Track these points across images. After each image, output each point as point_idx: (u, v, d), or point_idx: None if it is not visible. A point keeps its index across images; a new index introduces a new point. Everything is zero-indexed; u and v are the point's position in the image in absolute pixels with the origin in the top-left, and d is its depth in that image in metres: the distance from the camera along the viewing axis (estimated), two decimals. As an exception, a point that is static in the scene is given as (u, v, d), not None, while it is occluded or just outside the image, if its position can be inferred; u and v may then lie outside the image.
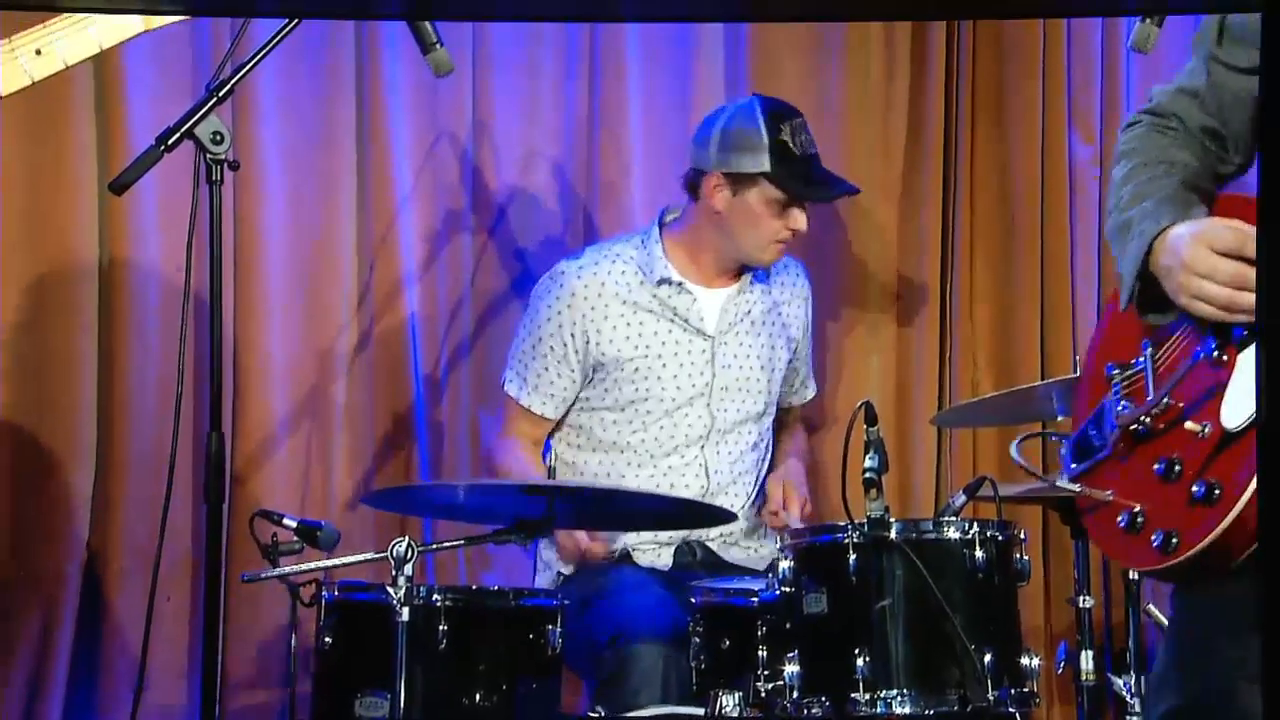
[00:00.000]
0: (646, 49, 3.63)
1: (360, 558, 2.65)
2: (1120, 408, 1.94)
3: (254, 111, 3.42)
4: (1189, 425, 1.86)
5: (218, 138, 2.44)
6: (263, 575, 2.66)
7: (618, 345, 3.13)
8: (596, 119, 3.63)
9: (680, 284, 3.15)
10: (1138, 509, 1.89)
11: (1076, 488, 1.97)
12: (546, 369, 3.16)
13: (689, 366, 3.14)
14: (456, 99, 3.55)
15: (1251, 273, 1.77)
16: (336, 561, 2.66)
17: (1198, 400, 1.86)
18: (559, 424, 3.21)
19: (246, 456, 3.43)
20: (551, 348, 3.15)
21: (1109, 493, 1.92)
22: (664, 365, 3.13)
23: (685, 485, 3.15)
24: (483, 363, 3.58)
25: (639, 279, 3.15)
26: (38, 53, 2.26)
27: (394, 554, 2.49)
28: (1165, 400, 1.88)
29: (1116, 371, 1.98)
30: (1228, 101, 1.93)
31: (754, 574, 3.02)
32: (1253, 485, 1.74)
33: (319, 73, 3.48)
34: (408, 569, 2.48)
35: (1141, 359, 1.95)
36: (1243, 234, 1.80)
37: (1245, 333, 1.82)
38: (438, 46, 2.62)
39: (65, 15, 2.30)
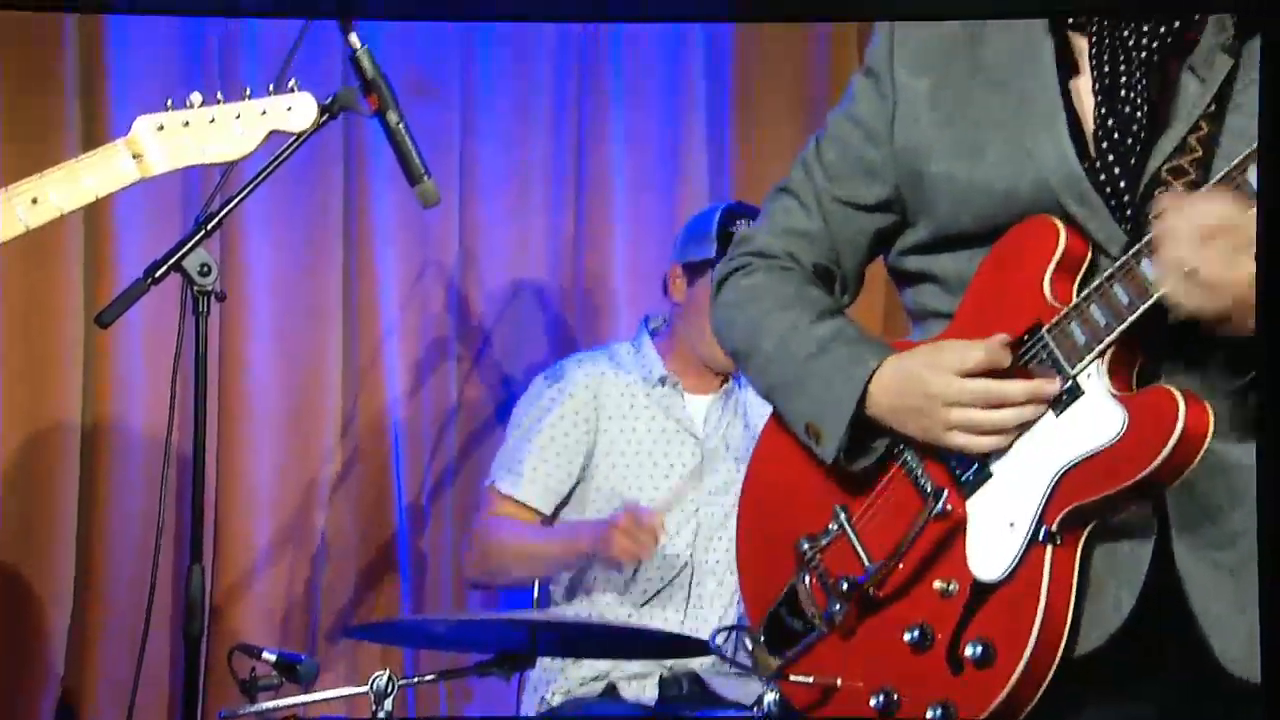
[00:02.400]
0: (632, 174, 3.72)
1: (339, 693, 2.63)
2: (836, 582, 1.76)
3: (242, 242, 3.48)
4: (935, 584, 1.71)
5: (205, 269, 2.47)
6: (240, 712, 2.63)
7: (611, 437, 3.17)
8: (582, 244, 3.70)
9: (676, 384, 3.20)
10: (890, 689, 1.71)
11: (808, 679, 1.78)
12: (545, 460, 3.17)
13: (679, 467, 3.18)
14: (443, 228, 3.62)
15: (1005, 387, 1.70)
16: (315, 697, 2.64)
17: (933, 556, 1.72)
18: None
19: (227, 589, 3.42)
20: (552, 437, 3.17)
21: (838, 679, 1.75)
22: (654, 464, 3.17)
23: (669, 598, 3.14)
24: (467, 492, 3.59)
25: (637, 376, 3.20)
26: (34, 201, 2.31)
27: (374, 688, 2.47)
28: (896, 563, 1.73)
29: (808, 545, 1.80)
30: (845, 241, 1.87)
31: (741, 708, 3.00)
32: (1033, 634, 1.64)
33: (307, 202, 3.55)
34: (388, 704, 2.47)
35: (837, 524, 1.79)
36: (990, 351, 1.71)
37: (973, 475, 1.72)
38: (426, 178, 2.67)
39: (61, 165, 2.35)
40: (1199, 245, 1.61)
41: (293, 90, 2.37)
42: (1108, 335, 1.67)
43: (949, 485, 1.73)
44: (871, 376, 1.76)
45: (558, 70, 3.67)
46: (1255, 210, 1.55)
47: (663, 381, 3.20)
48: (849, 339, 1.81)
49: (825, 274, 1.90)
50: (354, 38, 2.51)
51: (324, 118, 2.48)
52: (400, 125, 2.54)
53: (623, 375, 3.21)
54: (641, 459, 3.16)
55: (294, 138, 2.43)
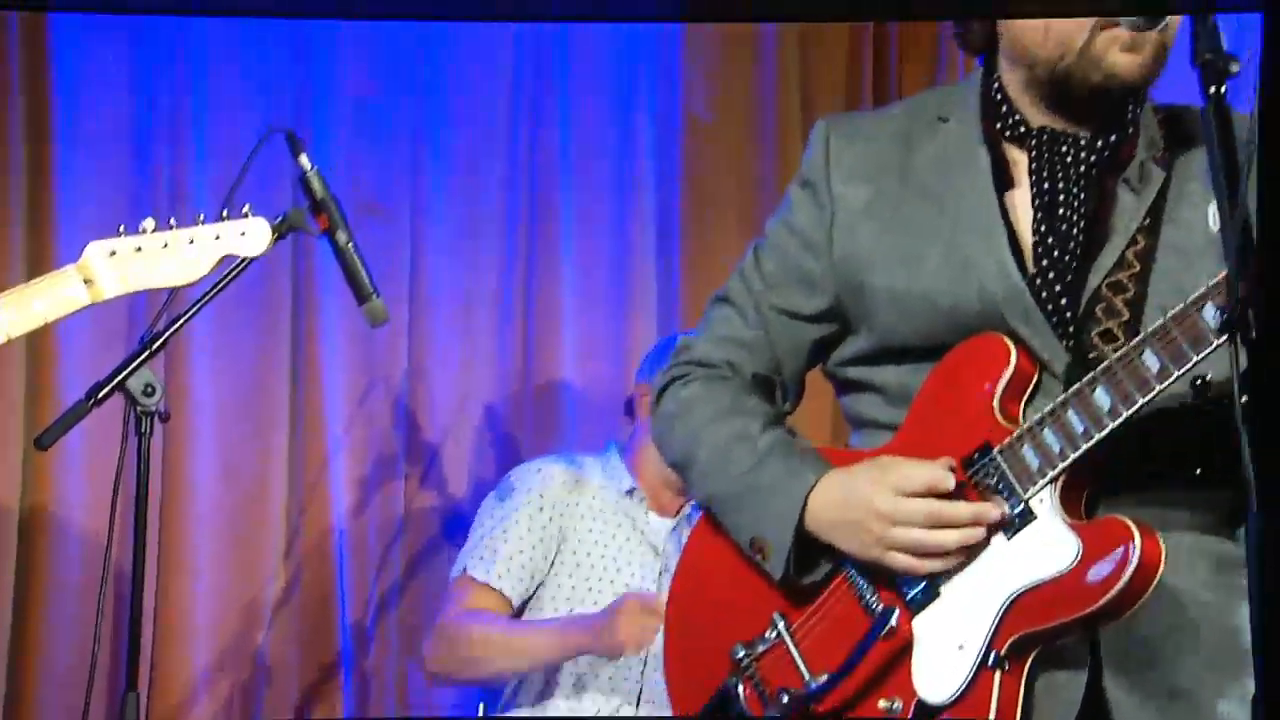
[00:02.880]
0: (581, 293, 3.73)
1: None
2: (775, 693, 1.74)
3: (187, 360, 3.46)
4: (879, 703, 1.69)
5: (149, 390, 2.45)
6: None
7: (580, 536, 3.15)
8: (531, 363, 3.70)
9: (643, 499, 3.20)
10: None
11: None
12: (521, 550, 3.12)
13: (638, 578, 3.15)
14: (392, 346, 3.62)
15: (950, 509, 1.68)
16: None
17: (878, 674, 1.70)
18: None
19: (163, 715, 3.33)
20: (529, 527, 3.13)
21: None
22: (617, 570, 3.15)
23: (616, 709, 3.09)
24: (412, 613, 3.54)
25: (608, 483, 3.19)
26: (-18, 326, 2.29)
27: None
28: (841, 681, 1.70)
29: (744, 652, 1.78)
30: (785, 350, 1.87)
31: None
32: None
33: (255, 322, 3.54)
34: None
35: (775, 633, 1.77)
36: (934, 472, 1.70)
37: (921, 593, 1.71)
38: (374, 297, 2.67)
39: (10, 290, 2.34)
40: None
41: (246, 215, 2.38)
42: (1061, 461, 1.67)
43: (897, 602, 1.72)
44: (811, 491, 1.75)
45: (508, 189, 3.71)
46: None
47: (631, 493, 3.20)
48: (786, 452, 1.80)
49: (765, 383, 1.90)
50: (304, 159, 2.53)
51: (273, 238, 2.49)
52: (349, 245, 2.56)
53: (595, 479, 3.20)
54: (606, 563, 3.15)
55: (240, 261, 2.43)
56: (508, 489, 3.22)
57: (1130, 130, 1.77)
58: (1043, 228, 1.75)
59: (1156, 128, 1.78)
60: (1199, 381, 1.60)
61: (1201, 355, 1.60)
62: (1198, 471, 1.70)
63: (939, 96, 1.90)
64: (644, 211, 3.75)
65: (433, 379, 3.66)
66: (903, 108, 1.91)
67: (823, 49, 3.81)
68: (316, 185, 2.52)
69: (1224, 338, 1.55)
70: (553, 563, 3.14)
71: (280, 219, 2.48)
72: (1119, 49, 1.70)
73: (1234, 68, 1.52)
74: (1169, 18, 1.68)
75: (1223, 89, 1.52)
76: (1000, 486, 1.69)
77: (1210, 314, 1.60)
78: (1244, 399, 1.42)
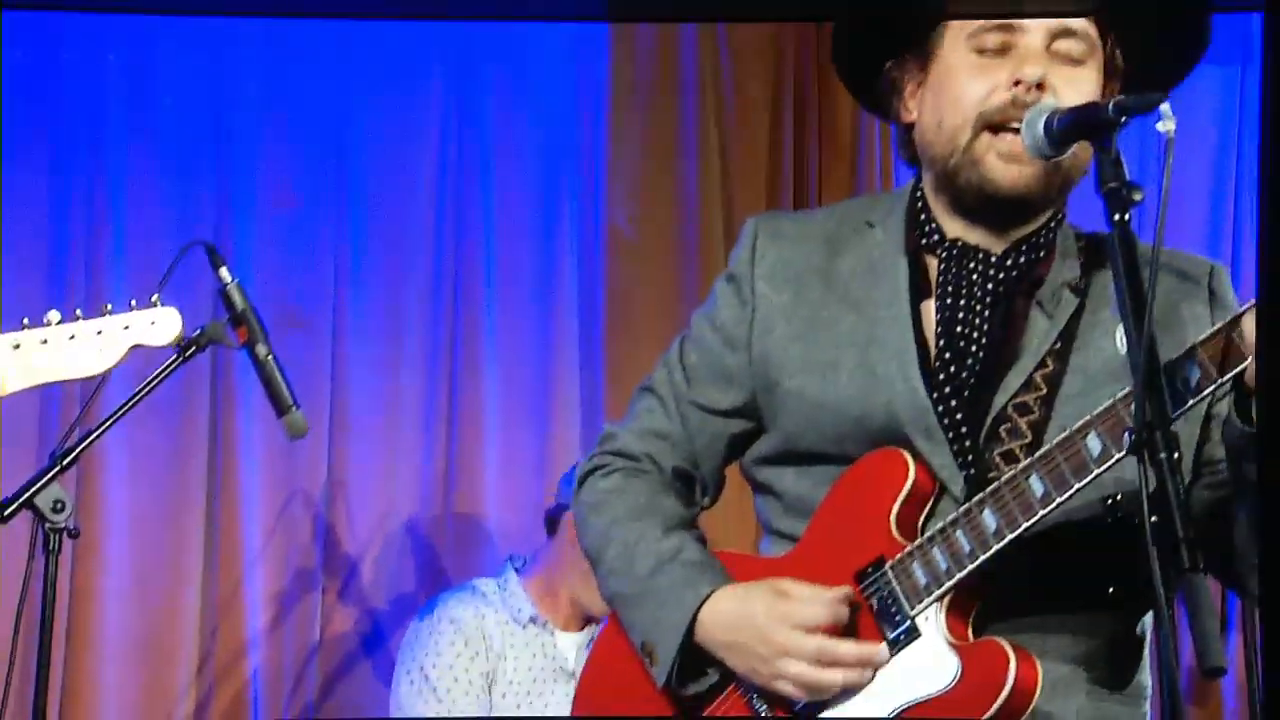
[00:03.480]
0: (505, 406, 3.73)
1: None
2: None
3: (100, 474, 3.40)
4: None
5: (58, 506, 2.40)
6: None
7: (506, 676, 3.11)
8: (453, 476, 3.68)
9: (546, 623, 3.16)
10: None
11: None
12: (455, 702, 3.08)
13: (554, 706, 3.11)
14: (312, 458, 3.58)
15: (838, 648, 1.70)
16: None
17: None
18: None
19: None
20: (456, 678, 3.08)
21: None
22: (531, 703, 3.11)
23: None
24: (327, 732, 3.47)
25: (507, 616, 3.16)
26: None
27: None
28: None
29: None
30: (703, 445, 1.88)
31: None
32: None
33: (172, 433, 3.50)
34: None
35: None
36: (832, 609, 1.72)
37: (808, 707, 1.72)
38: (294, 409, 2.65)
39: None
40: None
41: (155, 304, 2.36)
42: (947, 580, 1.69)
43: (788, 715, 1.74)
44: (704, 603, 1.76)
45: (431, 300, 3.72)
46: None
47: (534, 621, 3.17)
48: (687, 561, 1.81)
49: (685, 477, 1.90)
50: (224, 271, 2.52)
51: (191, 351, 2.47)
52: (269, 358, 2.55)
53: (498, 613, 3.18)
54: (521, 698, 3.12)
55: (156, 373, 2.41)
56: (422, 644, 3.17)
57: (1044, 252, 1.79)
58: (943, 343, 1.78)
59: (1076, 252, 1.80)
60: (1110, 501, 1.63)
61: (1083, 482, 1.63)
62: (1109, 590, 1.72)
63: (869, 203, 1.93)
64: (567, 325, 3.77)
65: (353, 492, 3.62)
66: (832, 211, 1.94)
67: (744, 159, 3.87)
68: (236, 298, 2.52)
69: (1105, 466, 1.60)
70: (490, 707, 3.12)
71: (199, 332, 2.47)
72: (996, 155, 1.73)
73: (1137, 197, 1.57)
74: (1076, 147, 1.71)
75: (1128, 217, 1.57)
76: (890, 602, 1.72)
77: (1094, 443, 1.62)
78: (1153, 518, 1.45)
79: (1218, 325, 1.62)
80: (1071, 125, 1.66)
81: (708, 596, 1.77)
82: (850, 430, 1.78)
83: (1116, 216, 1.56)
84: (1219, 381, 1.60)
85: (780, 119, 3.85)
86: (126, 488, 3.45)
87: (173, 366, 2.47)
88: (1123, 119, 1.60)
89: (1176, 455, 1.47)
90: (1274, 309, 1.34)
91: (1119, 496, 1.64)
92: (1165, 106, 1.56)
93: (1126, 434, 1.50)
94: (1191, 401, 1.61)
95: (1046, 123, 1.68)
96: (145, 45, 3.58)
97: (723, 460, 1.91)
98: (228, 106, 3.61)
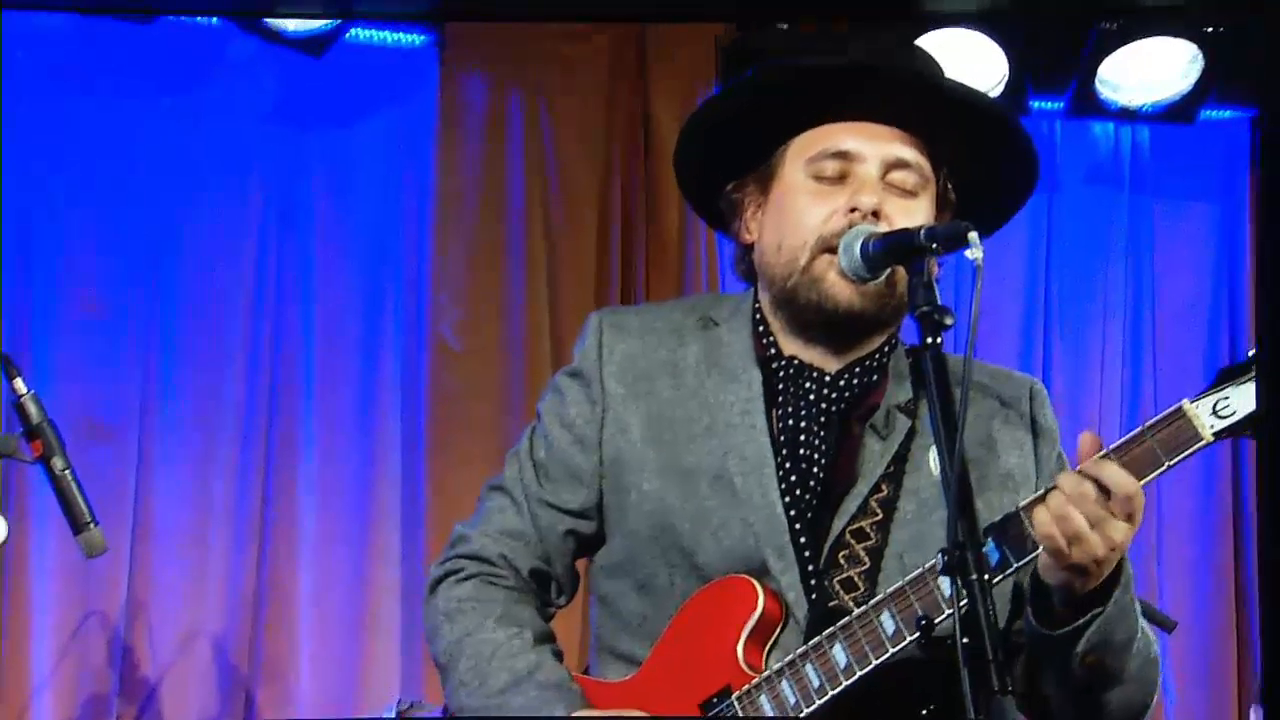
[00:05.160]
0: (322, 521, 3.66)
1: None
2: None
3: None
4: None
5: None
6: None
7: None
8: (264, 595, 3.58)
9: None
10: None
11: None
12: None
13: None
14: (111, 576, 3.46)
15: None
16: None
17: None
18: None
19: None
20: None
21: None
22: None
23: None
24: None
25: None
26: None
27: None
28: None
29: None
30: (555, 544, 1.89)
31: None
32: None
33: (-44, 551, 3.34)
34: None
35: None
36: None
37: None
38: (91, 526, 2.57)
39: None
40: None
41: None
42: (796, 714, 1.71)
43: None
44: None
45: (247, 410, 3.64)
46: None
47: None
48: (543, 682, 1.81)
49: (541, 577, 1.90)
50: (19, 383, 2.45)
51: (-22, 463, 2.38)
52: (66, 472, 2.47)
53: None
54: None
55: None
56: None
57: (878, 375, 1.85)
58: (788, 464, 1.81)
59: (909, 373, 1.80)
60: (923, 621, 1.68)
61: (924, 618, 1.66)
62: (923, 711, 1.76)
63: (711, 301, 1.96)
64: (389, 435, 3.73)
65: (155, 612, 3.50)
66: (676, 305, 1.97)
67: (571, 265, 3.90)
68: (32, 410, 2.44)
69: (959, 606, 1.64)
70: None
71: (-10, 445, 2.39)
72: (835, 273, 1.79)
73: (949, 321, 1.64)
74: (896, 269, 1.77)
75: (939, 340, 1.63)
76: None
77: (946, 583, 1.66)
78: (964, 639, 1.49)
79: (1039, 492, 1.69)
80: (885, 250, 1.73)
81: None
82: (704, 540, 1.80)
83: (928, 340, 1.62)
84: (1014, 567, 1.66)
85: (607, 224, 3.91)
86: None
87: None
88: (934, 245, 1.67)
89: (987, 576, 1.52)
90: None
91: (934, 619, 1.68)
92: (973, 235, 1.64)
93: (941, 555, 1.54)
94: (1015, 565, 1.68)
95: (862, 246, 1.75)
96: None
97: (572, 560, 1.91)
98: (31, 207, 3.52)
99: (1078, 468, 1.67)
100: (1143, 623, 1.79)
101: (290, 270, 3.73)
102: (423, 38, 3.78)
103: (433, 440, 3.76)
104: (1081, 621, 1.69)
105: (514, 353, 3.83)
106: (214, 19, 3.54)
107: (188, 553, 3.56)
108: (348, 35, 3.62)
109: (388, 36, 3.74)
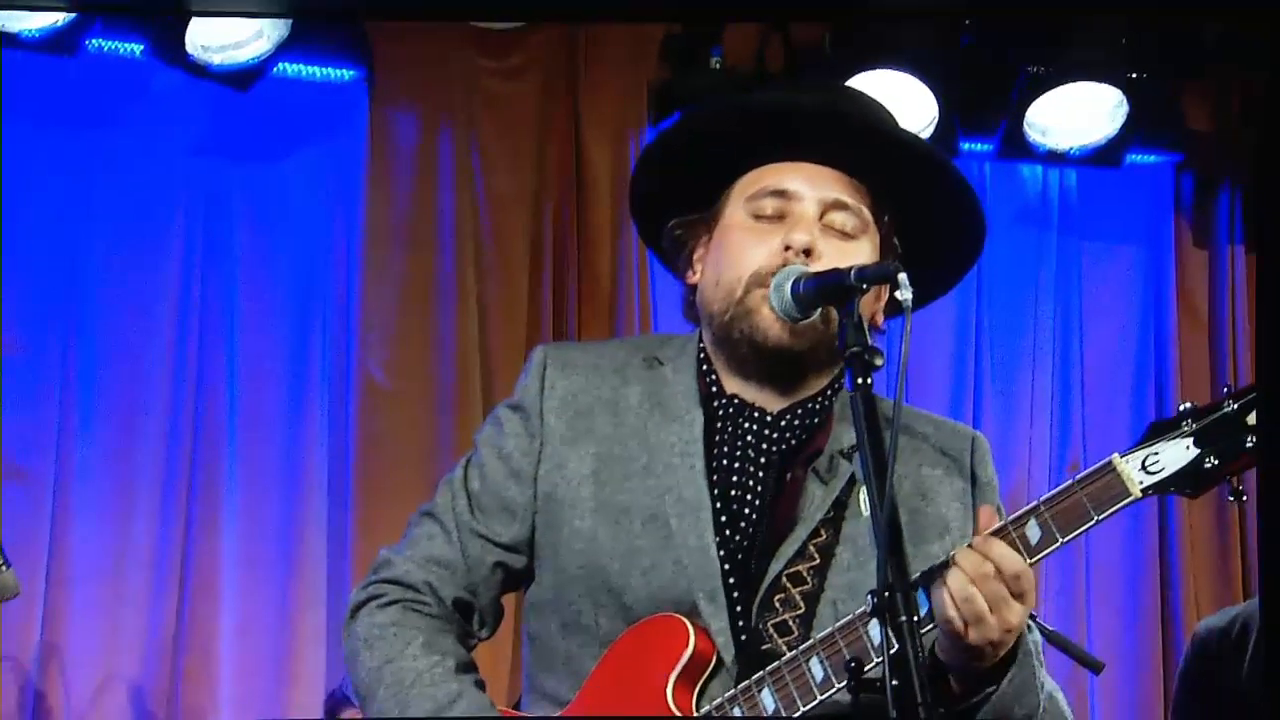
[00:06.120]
0: (245, 562, 3.61)
1: None
2: None
3: None
4: None
5: None
6: None
7: None
8: (184, 638, 3.52)
9: None
10: None
11: None
12: None
13: None
14: (24, 619, 3.39)
15: None
16: None
17: None
18: None
19: None
20: None
21: None
22: None
23: None
24: None
25: None
26: None
27: None
28: None
29: None
30: (483, 576, 1.87)
31: None
32: None
33: None
34: None
35: None
36: None
37: None
38: (4, 568, 2.54)
39: None
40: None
41: None
42: None
43: None
44: None
45: (168, 448, 3.59)
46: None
47: None
48: (464, 710, 1.79)
49: (465, 607, 1.88)
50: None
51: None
52: (-23, 513, 2.42)
53: None
54: None
55: None
56: None
57: (821, 419, 1.84)
58: (719, 505, 1.80)
59: (852, 418, 1.81)
60: (853, 663, 1.68)
61: (854, 660, 1.64)
62: None
63: (658, 341, 1.96)
64: (315, 476, 3.69)
65: (70, 657, 3.44)
66: (622, 343, 1.97)
67: (502, 306, 3.89)
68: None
69: (890, 653, 1.64)
70: None
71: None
72: (768, 308, 1.79)
73: (878, 362, 1.65)
74: (830, 311, 1.76)
75: (869, 380, 1.64)
76: None
77: (875, 630, 1.66)
78: (894, 681, 1.49)
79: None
80: (816, 290, 1.74)
81: None
82: (633, 580, 1.79)
83: (859, 380, 1.63)
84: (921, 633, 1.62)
85: (539, 262, 3.90)
86: None
87: None
88: (864, 286, 1.69)
89: (916, 618, 1.53)
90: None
91: (864, 663, 1.68)
92: (902, 276, 1.65)
93: (870, 597, 1.55)
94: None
95: (793, 286, 1.76)
96: None
97: (500, 591, 1.90)
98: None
99: (969, 543, 1.67)
100: (1051, 695, 1.79)
101: (214, 307, 3.68)
102: (352, 73, 3.76)
103: (360, 481, 3.72)
104: (976, 700, 1.69)
105: (444, 392, 3.80)
106: (138, 51, 3.51)
107: (105, 596, 3.49)
108: (275, 69, 3.60)
109: (316, 71, 3.72)
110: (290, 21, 3.49)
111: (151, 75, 3.61)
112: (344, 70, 3.76)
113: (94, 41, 3.48)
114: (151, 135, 3.65)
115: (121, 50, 3.52)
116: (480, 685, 1.84)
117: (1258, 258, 1.69)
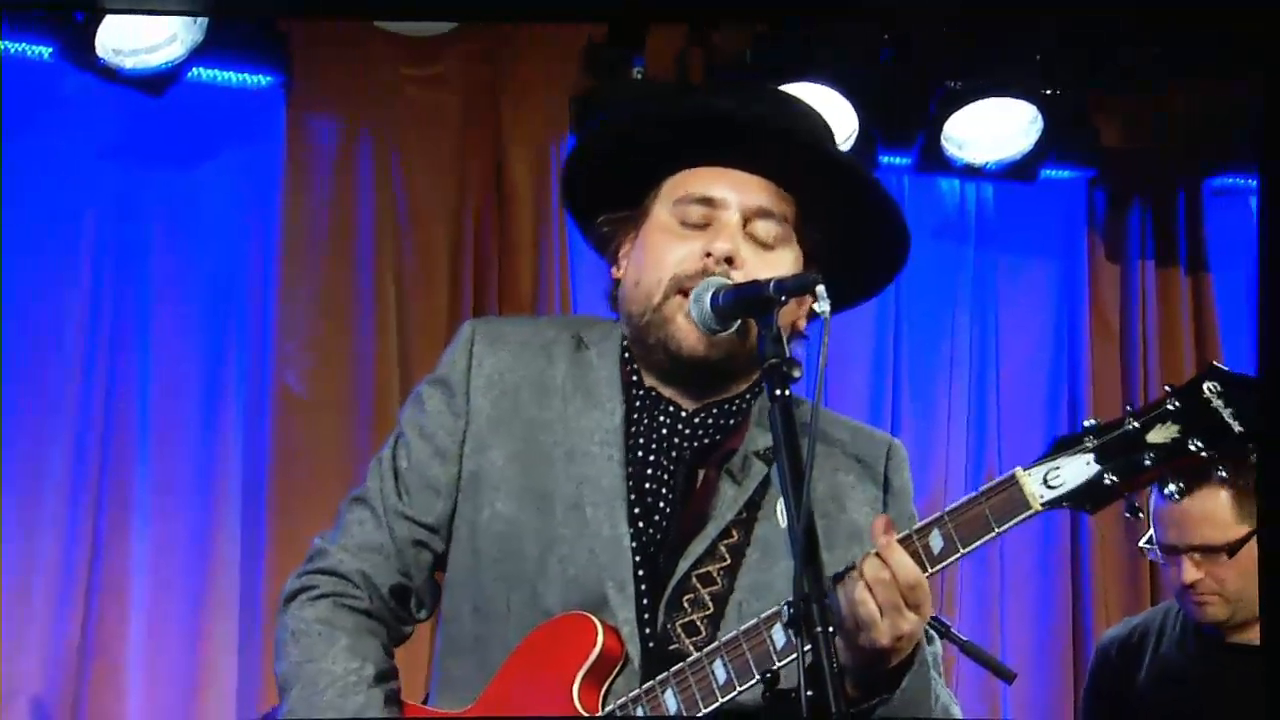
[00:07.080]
0: (155, 571, 3.55)
1: None
2: None
3: None
4: None
5: None
6: None
7: None
8: (90, 652, 3.46)
9: None
10: None
11: None
12: None
13: None
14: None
15: None
16: None
17: None
18: None
19: None
20: None
21: None
22: None
23: None
24: None
25: None
26: None
27: None
28: None
29: None
30: (413, 557, 1.88)
31: None
32: None
33: None
34: None
35: None
36: None
37: None
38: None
39: None
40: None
41: None
42: None
43: None
44: None
45: (76, 458, 3.52)
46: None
47: None
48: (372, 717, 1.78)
49: (400, 593, 1.88)
50: None
51: None
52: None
53: None
54: None
55: None
56: None
57: (737, 420, 1.85)
58: (634, 496, 1.81)
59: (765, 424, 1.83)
60: (768, 674, 1.69)
61: (769, 671, 1.68)
62: None
63: (585, 323, 1.97)
64: (229, 486, 3.64)
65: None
66: (552, 321, 2.02)
67: (421, 315, 3.86)
68: None
69: (788, 660, 1.66)
70: None
71: None
72: (684, 316, 1.80)
73: (796, 373, 1.67)
74: (749, 322, 1.77)
75: (787, 392, 1.66)
76: None
77: (779, 634, 1.69)
78: (809, 692, 1.51)
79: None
80: (735, 301, 1.76)
81: None
82: (550, 567, 1.79)
83: (777, 392, 1.65)
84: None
85: (459, 271, 3.89)
86: None
87: None
88: (782, 298, 1.70)
89: (832, 629, 1.54)
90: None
91: (779, 670, 1.70)
92: (820, 288, 1.67)
93: (786, 607, 1.56)
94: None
95: (713, 298, 1.78)
96: None
97: (431, 571, 1.90)
98: None
99: (871, 551, 1.70)
100: (946, 708, 1.81)
101: (126, 316, 3.62)
102: (269, 78, 3.72)
103: (275, 490, 3.67)
104: (866, 706, 1.71)
105: (362, 402, 3.77)
106: (46, 54, 3.44)
107: (10, 609, 3.41)
108: (190, 74, 3.55)
109: (233, 76, 3.68)
110: (205, 25, 3.44)
111: (61, 78, 3.55)
112: (261, 75, 3.71)
113: (0, 44, 3.42)
114: (59, 139, 3.59)
115: (29, 53, 3.45)
116: (393, 695, 1.84)
117: (1259, 257, 1.74)
